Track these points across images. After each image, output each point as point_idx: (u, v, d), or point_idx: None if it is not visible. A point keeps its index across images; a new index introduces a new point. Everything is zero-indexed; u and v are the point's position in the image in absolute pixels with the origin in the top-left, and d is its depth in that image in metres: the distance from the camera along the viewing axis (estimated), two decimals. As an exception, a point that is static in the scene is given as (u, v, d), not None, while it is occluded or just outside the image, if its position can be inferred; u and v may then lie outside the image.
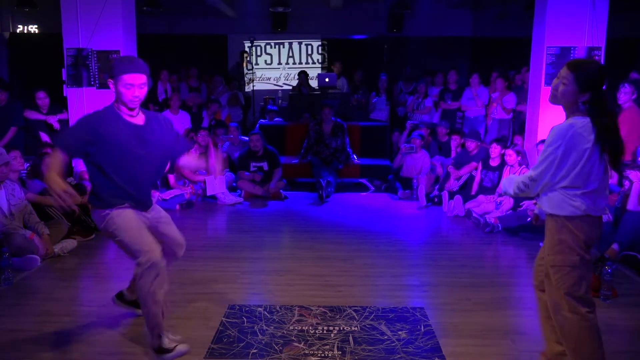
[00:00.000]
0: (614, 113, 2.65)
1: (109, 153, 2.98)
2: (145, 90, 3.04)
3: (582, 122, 2.52)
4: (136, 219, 3.08)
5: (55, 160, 2.94)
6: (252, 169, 7.38)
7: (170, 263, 3.30)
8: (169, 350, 3.06)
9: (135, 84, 2.95)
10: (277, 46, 12.26)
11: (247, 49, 11.64)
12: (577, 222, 2.58)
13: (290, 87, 10.92)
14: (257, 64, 12.15)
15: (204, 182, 7.02)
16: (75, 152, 3.04)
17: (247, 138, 7.86)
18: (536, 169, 2.63)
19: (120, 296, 3.59)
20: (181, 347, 3.11)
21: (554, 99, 2.65)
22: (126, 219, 3.03)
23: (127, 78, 2.94)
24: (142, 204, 3.14)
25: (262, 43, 12.13)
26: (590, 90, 2.53)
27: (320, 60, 12.34)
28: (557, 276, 2.62)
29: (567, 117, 2.62)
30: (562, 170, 2.56)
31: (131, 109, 3.03)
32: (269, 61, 12.32)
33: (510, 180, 2.81)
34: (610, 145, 2.51)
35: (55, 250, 4.75)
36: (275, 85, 12.25)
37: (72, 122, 6.93)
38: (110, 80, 3.01)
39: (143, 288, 2.96)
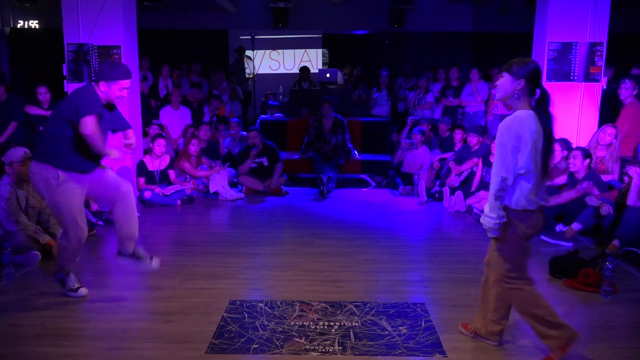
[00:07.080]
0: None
1: None
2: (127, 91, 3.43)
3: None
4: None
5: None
6: (252, 165, 7.37)
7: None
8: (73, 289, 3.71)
9: (127, 88, 3.31)
10: (281, 53, 12.32)
11: (250, 54, 11.49)
12: None
13: (290, 73, 10.91)
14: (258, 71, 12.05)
15: (206, 178, 7.02)
16: None
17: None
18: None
19: (119, 253, 3.83)
20: (82, 290, 3.73)
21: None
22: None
23: (124, 83, 3.28)
24: None
25: (268, 51, 12.12)
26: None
27: (322, 59, 12.37)
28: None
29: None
30: None
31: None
32: (274, 66, 12.34)
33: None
34: None
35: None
36: (274, 70, 12.29)
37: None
38: (104, 82, 3.25)
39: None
